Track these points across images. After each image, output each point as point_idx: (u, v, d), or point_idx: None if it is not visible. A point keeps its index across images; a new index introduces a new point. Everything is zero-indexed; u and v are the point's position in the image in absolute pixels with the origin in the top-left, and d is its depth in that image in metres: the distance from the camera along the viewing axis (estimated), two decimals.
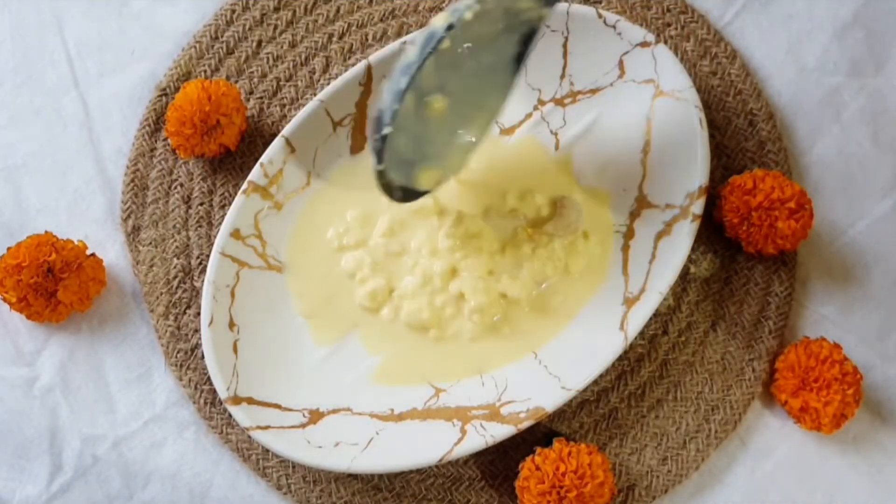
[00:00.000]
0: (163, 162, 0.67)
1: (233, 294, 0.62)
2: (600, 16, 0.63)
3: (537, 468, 0.58)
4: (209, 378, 0.61)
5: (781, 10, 0.68)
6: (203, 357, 0.62)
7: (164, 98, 0.68)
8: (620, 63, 0.64)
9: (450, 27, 0.52)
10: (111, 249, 0.66)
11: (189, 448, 0.64)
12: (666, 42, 0.67)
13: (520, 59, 0.56)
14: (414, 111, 0.55)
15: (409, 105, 0.54)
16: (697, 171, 0.61)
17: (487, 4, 0.52)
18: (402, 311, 0.62)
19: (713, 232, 0.65)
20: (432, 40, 0.52)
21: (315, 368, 0.62)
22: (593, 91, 0.65)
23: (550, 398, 0.59)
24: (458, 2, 0.53)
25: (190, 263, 0.65)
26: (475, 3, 0.52)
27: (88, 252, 0.64)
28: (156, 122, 0.67)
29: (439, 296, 0.62)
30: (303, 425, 0.60)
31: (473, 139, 0.59)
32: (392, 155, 0.55)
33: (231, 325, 0.62)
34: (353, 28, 0.68)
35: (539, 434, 0.62)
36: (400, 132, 0.54)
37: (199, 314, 0.63)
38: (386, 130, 0.53)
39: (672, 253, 0.61)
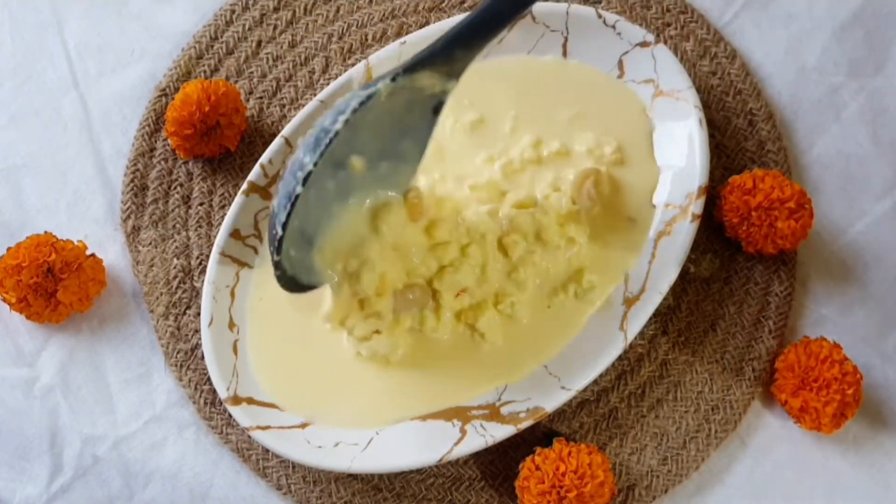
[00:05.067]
0: (163, 162, 0.67)
1: (233, 294, 0.62)
2: (600, 16, 0.63)
3: (537, 468, 0.58)
4: (209, 378, 0.61)
5: (781, 9, 0.68)
6: (203, 357, 0.62)
7: (163, 98, 0.68)
8: (620, 63, 0.64)
9: (342, 123, 0.51)
10: (111, 250, 0.66)
11: (189, 448, 0.64)
12: (665, 42, 0.67)
13: (433, 120, 0.55)
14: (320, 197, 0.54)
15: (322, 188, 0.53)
16: (697, 171, 0.61)
17: (380, 96, 0.51)
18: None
19: (713, 232, 0.65)
20: (321, 142, 0.51)
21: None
22: None
23: (550, 398, 0.59)
24: (348, 96, 0.51)
25: (190, 264, 0.65)
26: (365, 98, 0.51)
27: (88, 252, 0.64)
28: (156, 123, 0.67)
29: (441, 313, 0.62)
30: (303, 425, 0.60)
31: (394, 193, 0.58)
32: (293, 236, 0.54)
33: (231, 325, 0.62)
34: (353, 28, 0.68)
35: (539, 434, 0.62)
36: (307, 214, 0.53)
37: (198, 314, 0.63)
38: (278, 239, 0.53)
39: (672, 253, 0.61)
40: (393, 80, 0.51)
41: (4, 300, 0.62)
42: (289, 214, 0.52)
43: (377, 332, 0.60)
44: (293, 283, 0.56)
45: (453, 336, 0.61)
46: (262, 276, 0.62)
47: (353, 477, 0.62)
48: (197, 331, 0.64)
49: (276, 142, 0.63)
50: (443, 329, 0.61)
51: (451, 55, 0.53)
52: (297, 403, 0.61)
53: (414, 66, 0.52)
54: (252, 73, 0.68)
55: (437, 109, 0.55)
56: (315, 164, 0.51)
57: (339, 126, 0.51)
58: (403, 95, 0.53)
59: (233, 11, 0.69)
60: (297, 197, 0.51)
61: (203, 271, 0.65)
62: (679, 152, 0.62)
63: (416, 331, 0.61)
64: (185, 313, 0.65)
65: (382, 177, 0.56)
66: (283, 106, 0.67)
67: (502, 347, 0.61)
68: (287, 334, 0.62)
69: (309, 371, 0.61)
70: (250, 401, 0.60)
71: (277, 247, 0.53)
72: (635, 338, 0.60)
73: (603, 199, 0.62)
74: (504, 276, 0.61)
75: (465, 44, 0.53)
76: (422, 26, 0.67)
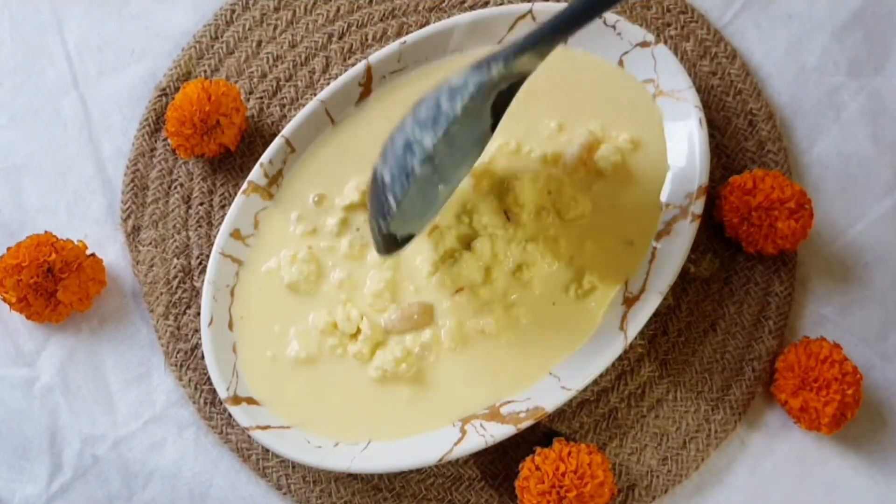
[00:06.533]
0: (163, 162, 0.67)
1: (233, 294, 0.62)
2: (600, 16, 0.63)
3: (537, 468, 0.58)
4: (209, 378, 0.61)
5: (781, 9, 0.68)
6: (203, 357, 0.62)
7: (163, 98, 0.68)
8: (620, 63, 0.64)
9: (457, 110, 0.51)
10: (111, 249, 0.66)
11: (189, 448, 0.64)
12: (666, 42, 0.67)
13: (496, 117, 0.55)
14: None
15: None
16: (697, 171, 0.61)
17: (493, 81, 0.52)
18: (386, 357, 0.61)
19: (713, 232, 0.65)
20: (440, 122, 0.51)
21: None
22: None
23: (550, 398, 0.59)
24: (462, 76, 0.52)
25: (190, 263, 0.65)
26: (481, 83, 0.51)
27: (88, 252, 0.64)
28: (156, 123, 0.67)
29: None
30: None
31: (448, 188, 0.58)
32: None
33: (231, 325, 0.62)
34: (353, 28, 0.68)
35: (539, 434, 0.62)
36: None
37: (199, 314, 0.63)
38: (394, 212, 0.54)
39: (672, 253, 0.61)
40: (505, 63, 0.51)
41: (4, 300, 0.62)
42: (406, 191, 0.53)
43: (379, 347, 0.61)
44: (392, 243, 0.57)
45: (457, 343, 0.61)
46: (244, 292, 0.62)
47: (353, 477, 0.62)
48: (197, 331, 0.64)
49: (276, 142, 0.63)
50: (449, 342, 0.61)
51: (553, 38, 0.51)
52: (293, 416, 0.61)
53: (523, 48, 0.51)
54: (252, 73, 0.68)
55: (496, 102, 0.54)
56: (434, 146, 0.51)
57: (458, 110, 0.51)
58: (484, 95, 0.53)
59: (233, 11, 0.69)
60: (415, 174, 0.52)
61: (203, 271, 0.65)
62: (679, 152, 0.62)
63: (425, 353, 0.61)
64: (185, 313, 0.65)
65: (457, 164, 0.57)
66: (283, 106, 0.67)
67: (506, 355, 0.61)
68: (272, 353, 0.62)
69: (306, 385, 0.61)
70: (250, 401, 0.60)
71: (388, 219, 0.54)
72: (635, 338, 0.60)
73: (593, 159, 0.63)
74: (509, 276, 0.61)
75: (566, 29, 0.51)
76: (422, 26, 0.67)
